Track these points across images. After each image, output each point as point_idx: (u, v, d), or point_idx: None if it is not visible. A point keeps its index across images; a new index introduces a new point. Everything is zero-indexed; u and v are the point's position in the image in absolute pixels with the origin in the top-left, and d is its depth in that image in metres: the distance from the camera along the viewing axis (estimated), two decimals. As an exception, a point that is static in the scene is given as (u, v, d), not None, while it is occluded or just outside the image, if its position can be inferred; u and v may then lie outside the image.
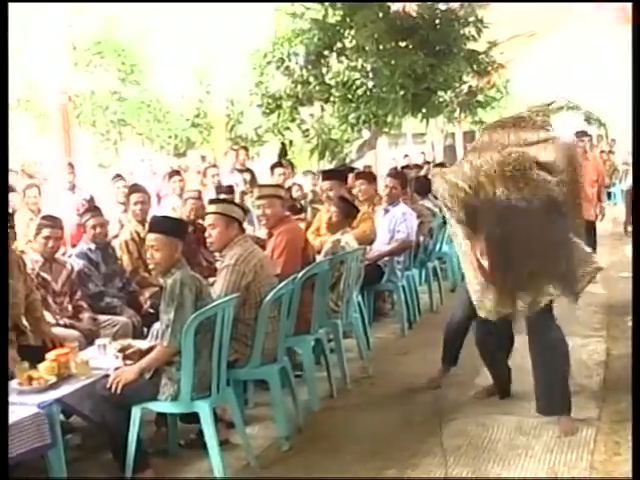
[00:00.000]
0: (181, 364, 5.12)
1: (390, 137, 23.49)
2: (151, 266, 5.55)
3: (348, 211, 8.15)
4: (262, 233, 8.46)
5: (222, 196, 9.45)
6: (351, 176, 11.43)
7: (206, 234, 6.29)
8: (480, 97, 16.96)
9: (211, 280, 6.29)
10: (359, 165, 16.33)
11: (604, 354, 8.00)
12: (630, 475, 5.09)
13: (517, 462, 5.46)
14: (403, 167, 15.13)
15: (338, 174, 10.03)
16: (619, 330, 8.45)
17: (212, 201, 6.89)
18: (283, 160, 15.92)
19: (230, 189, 10.93)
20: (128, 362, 5.41)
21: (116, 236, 8.42)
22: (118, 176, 12.03)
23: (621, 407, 6.39)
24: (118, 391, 5.10)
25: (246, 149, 15.78)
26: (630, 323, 6.65)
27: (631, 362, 4.98)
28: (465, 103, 16.47)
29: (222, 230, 6.08)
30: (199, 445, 5.49)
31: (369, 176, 10.63)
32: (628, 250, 10.10)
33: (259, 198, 7.45)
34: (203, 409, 5.21)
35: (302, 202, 11.37)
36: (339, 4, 15.85)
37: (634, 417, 3.86)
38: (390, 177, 10.01)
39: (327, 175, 9.65)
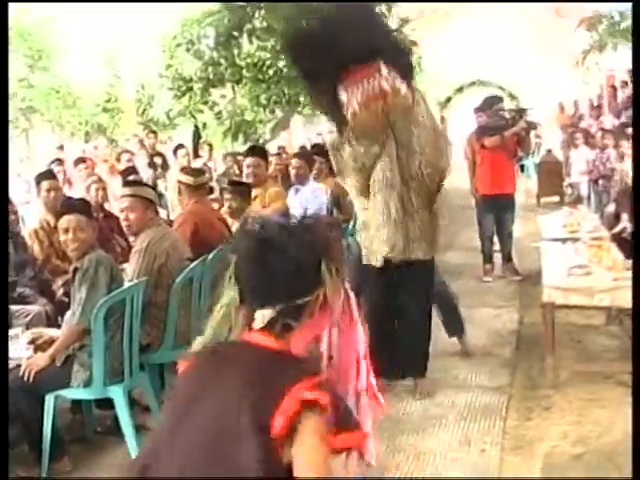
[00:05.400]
0: (92, 349, 5.09)
1: (305, 116, 23.49)
2: (73, 246, 5.37)
3: (242, 192, 8.01)
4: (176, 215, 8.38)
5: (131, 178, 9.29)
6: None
7: (122, 217, 6.22)
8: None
9: (124, 266, 6.24)
10: (273, 145, 16.32)
11: (517, 323, 8.17)
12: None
13: (432, 432, 5.56)
14: (313, 146, 15.12)
15: (263, 151, 9.94)
16: (531, 299, 8.60)
17: (127, 183, 6.77)
18: (201, 142, 15.90)
19: (134, 170, 10.91)
20: (39, 352, 5.36)
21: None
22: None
23: (533, 373, 6.57)
24: (31, 379, 5.05)
25: (155, 133, 15.66)
26: (541, 293, 6.78)
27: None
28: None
29: (140, 213, 6.03)
30: (116, 431, 5.47)
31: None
32: (540, 221, 10.28)
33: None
34: (117, 394, 5.20)
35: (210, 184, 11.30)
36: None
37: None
38: (297, 157, 10.08)
39: (253, 152, 9.51)
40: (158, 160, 13.52)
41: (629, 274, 6.16)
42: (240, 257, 2.32)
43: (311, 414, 2.12)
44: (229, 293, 2.34)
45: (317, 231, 2.33)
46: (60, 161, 12.14)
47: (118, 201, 7.59)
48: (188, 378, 2.36)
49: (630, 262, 6.42)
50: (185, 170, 7.89)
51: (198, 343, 2.38)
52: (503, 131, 9.84)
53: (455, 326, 7.19)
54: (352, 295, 2.39)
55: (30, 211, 9.63)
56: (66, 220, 5.39)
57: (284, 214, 2.41)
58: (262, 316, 2.28)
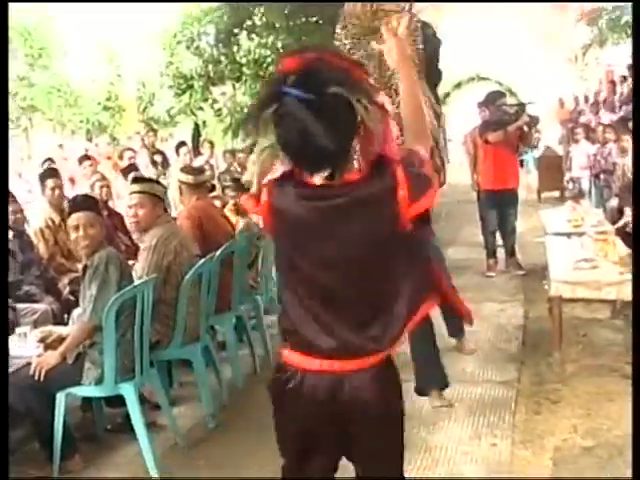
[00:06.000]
0: (103, 347, 5.10)
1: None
2: (83, 243, 5.31)
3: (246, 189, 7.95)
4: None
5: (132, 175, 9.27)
6: None
7: (130, 213, 6.19)
8: (394, 68, 17.10)
9: (131, 263, 6.23)
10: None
11: (522, 318, 8.19)
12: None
13: (442, 426, 5.58)
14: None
15: None
16: (536, 293, 8.64)
17: (136, 180, 6.64)
18: (202, 140, 15.87)
19: (136, 167, 10.91)
20: (49, 350, 5.35)
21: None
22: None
23: (540, 369, 6.59)
24: (42, 377, 5.04)
25: (154, 131, 15.65)
26: (547, 286, 6.81)
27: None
28: (378, 75, 16.51)
29: (149, 210, 6.00)
30: (126, 429, 5.48)
31: None
32: (542, 216, 10.30)
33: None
34: (128, 391, 5.19)
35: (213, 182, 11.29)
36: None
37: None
38: None
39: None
40: (158, 158, 13.51)
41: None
42: (281, 133, 2.46)
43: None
44: (267, 140, 2.49)
45: (332, 79, 2.43)
46: (51, 160, 12.10)
47: (124, 198, 7.58)
48: (295, 234, 2.65)
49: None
50: (185, 169, 7.85)
51: (249, 178, 2.64)
52: (506, 126, 9.83)
53: (455, 327, 7.10)
54: (388, 105, 2.59)
55: (34, 210, 9.63)
56: (75, 218, 5.34)
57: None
58: (319, 177, 2.54)
